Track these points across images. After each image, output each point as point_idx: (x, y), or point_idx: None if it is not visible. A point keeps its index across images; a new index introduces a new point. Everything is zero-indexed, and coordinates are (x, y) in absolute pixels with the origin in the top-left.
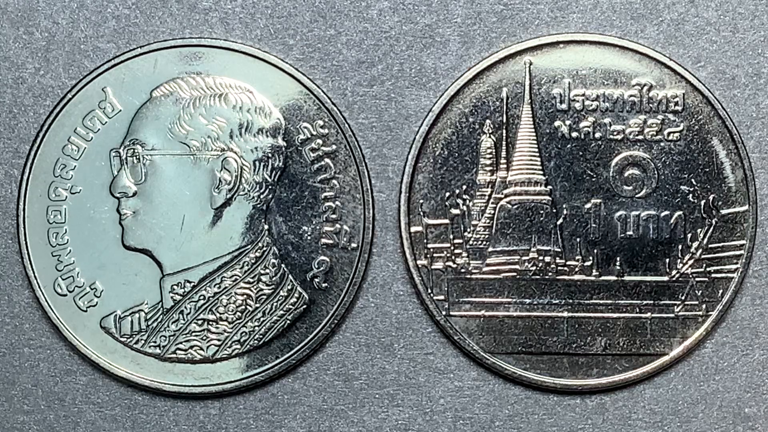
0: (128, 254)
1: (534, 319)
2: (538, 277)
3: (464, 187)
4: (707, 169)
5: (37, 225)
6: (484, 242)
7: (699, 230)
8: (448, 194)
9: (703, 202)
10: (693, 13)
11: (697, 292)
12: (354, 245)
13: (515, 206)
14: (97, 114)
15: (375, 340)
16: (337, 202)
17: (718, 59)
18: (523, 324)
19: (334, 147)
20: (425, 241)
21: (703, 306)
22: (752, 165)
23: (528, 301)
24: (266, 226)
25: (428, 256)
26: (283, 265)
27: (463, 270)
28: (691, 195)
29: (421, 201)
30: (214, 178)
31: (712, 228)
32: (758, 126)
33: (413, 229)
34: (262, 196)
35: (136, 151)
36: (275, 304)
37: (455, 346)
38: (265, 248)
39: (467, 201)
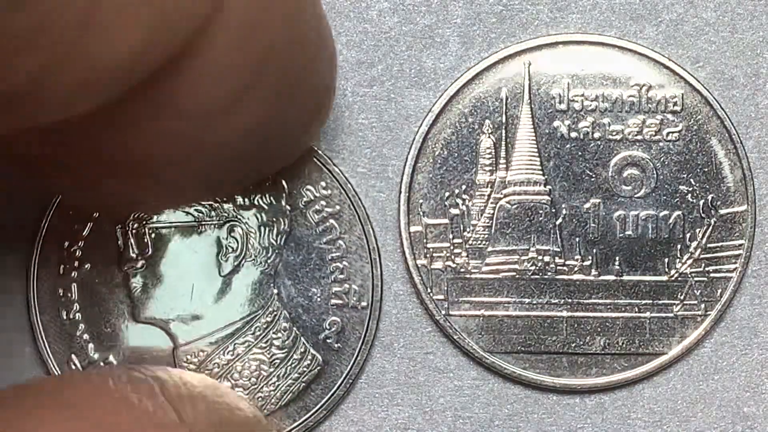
0: (141, 327)
1: (533, 318)
2: (537, 276)
3: (464, 187)
4: (706, 169)
5: (48, 302)
6: (484, 242)
7: (698, 230)
8: (447, 194)
9: (701, 202)
10: (692, 13)
11: (695, 291)
12: (364, 303)
13: (514, 206)
14: None
15: (375, 340)
16: (344, 262)
17: (716, 60)
18: (523, 324)
19: (338, 207)
20: (425, 240)
21: (702, 305)
22: (751, 165)
23: (527, 300)
24: (275, 290)
25: (428, 255)
26: (294, 328)
27: (462, 270)
28: (689, 195)
29: (421, 201)
30: (221, 245)
31: (710, 228)
32: (757, 126)
33: (413, 228)
34: (269, 261)
35: (140, 224)
36: (289, 367)
37: (455, 346)
38: (275, 312)
39: (467, 201)
